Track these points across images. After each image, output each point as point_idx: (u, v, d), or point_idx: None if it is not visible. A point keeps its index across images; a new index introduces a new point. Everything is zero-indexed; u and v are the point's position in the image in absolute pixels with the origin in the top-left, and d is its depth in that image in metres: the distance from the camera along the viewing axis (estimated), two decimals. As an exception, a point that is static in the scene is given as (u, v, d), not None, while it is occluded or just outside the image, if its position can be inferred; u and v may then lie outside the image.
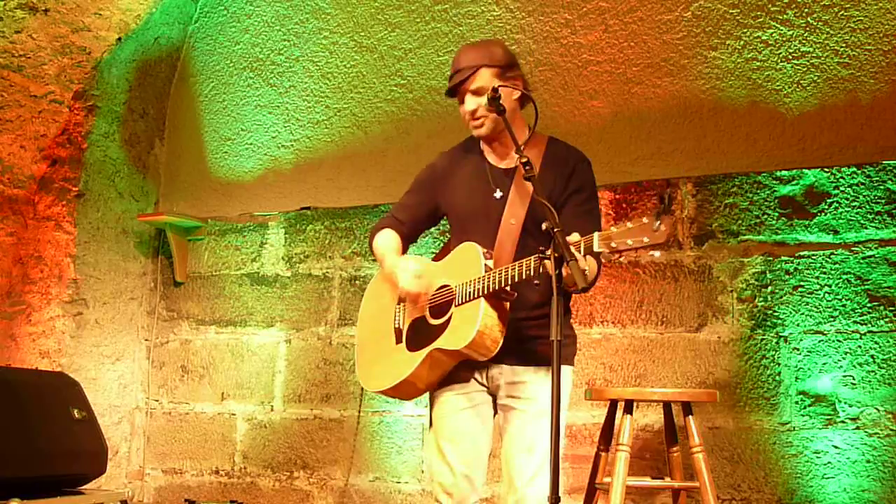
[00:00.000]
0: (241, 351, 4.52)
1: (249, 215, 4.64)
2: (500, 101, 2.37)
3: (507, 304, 2.37)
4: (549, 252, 2.13)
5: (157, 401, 4.65)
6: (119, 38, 4.42)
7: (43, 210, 4.49)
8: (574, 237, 2.16)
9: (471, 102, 2.47)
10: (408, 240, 2.71)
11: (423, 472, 4.00)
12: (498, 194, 2.50)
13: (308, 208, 4.49)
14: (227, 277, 4.63)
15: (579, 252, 2.13)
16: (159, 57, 4.81)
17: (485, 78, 2.43)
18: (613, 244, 2.07)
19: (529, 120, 2.49)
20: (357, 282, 4.30)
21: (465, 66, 2.44)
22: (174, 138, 4.92)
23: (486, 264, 2.37)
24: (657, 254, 2.06)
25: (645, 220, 2.01)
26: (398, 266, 2.52)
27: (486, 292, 2.33)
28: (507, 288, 2.31)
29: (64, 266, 4.43)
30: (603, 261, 2.51)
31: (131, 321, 4.71)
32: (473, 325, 2.32)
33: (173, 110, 4.94)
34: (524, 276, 2.25)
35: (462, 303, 2.39)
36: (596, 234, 2.11)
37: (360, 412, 3.05)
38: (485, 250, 2.41)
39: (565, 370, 2.50)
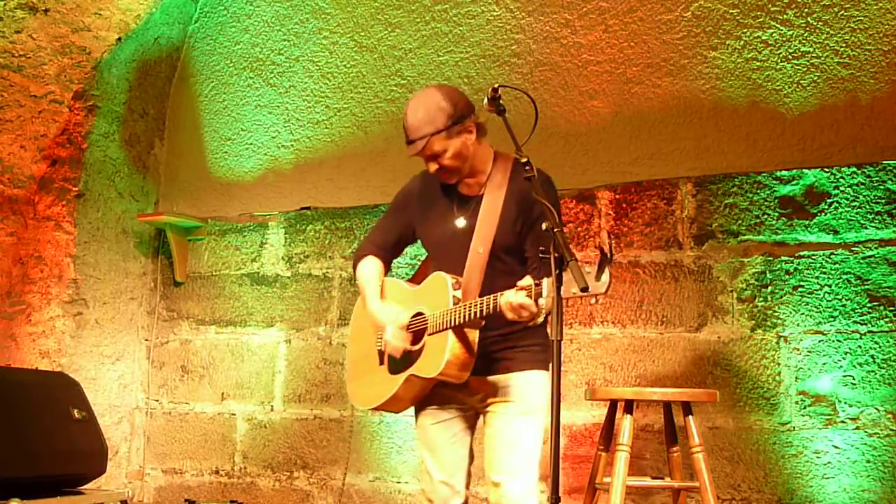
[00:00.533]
0: (241, 351, 4.52)
1: (249, 215, 4.64)
2: (500, 102, 2.39)
3: (477, 331, 2.44)
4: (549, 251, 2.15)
5: (157, 401, 4.65)
6: (119, 38, 4.42)
7: (43, 210, 4.49)
8: (526, 280, 2.23)
9: (432, 166, 2.53)
10: (389, 262, 2.80)
11: (423, 472, 4.00)
12: (462, 223, 2.55)
13: (308, 208, 4.49)
14: (227, 277, 4.63)
15: (530, 298, 2.20)
16: (159, 57, 4.81)
17: (437, 143, 2.48)
18: (558, 293, 2.10)
19: (494, 145, 2.57)
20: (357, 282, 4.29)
21: (415, 138, 2.49)
22: (174, 138, 4.92)
23: (454, 296, 2.45)
24: (600, 300, 2.15)
25: (588, 269, 2.05)
26: (383, 317, 2.60)
27: (453, 325, 2.41)
28: (477, 319, 2.38)
29: (64, 266, 4.43)
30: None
31: (131, 321, 4.71)
32: (442, 356, 2.41)
33: (173, 110, 4.93)
34: (485, 314, 2.33)
35: (433, 332, 2.48)
36: (545, 281, 2.14)
37: (352, 417, 3.09)
38: (454, 280, 2.48)
39: (541, 375, 2.54)
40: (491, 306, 2.31)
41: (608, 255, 2.04)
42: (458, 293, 2.46)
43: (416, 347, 2.54)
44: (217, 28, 4.85)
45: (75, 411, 3.59)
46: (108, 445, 3.73)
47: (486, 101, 2.42)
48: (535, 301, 2.20)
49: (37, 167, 4.48)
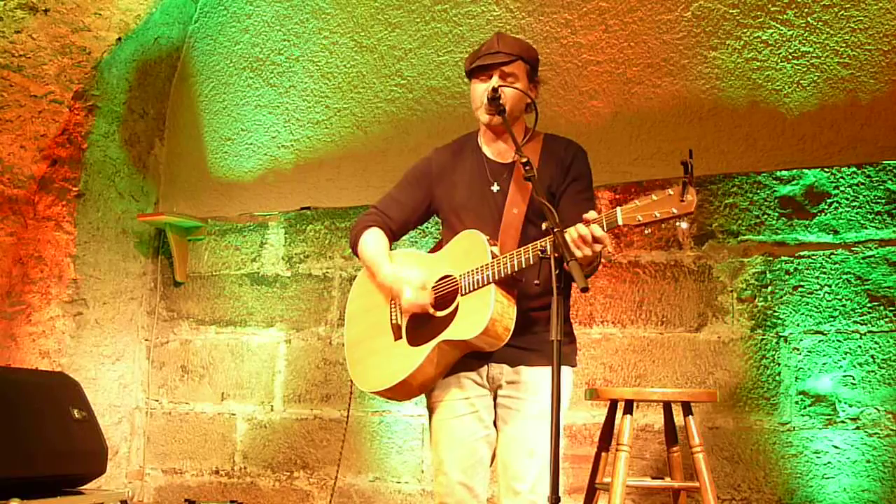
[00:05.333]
0: (241, 351, 4.52)
1: (249, 215, 4.64)
2: (501, 101, 2.38)
3: (516, 291, 2.33)
4: (549, 250, 2.12)
5: (157, 401, 4.65)
6: (119, 38, 4.42)
7: (43, 210, 4.49)
8: (592, 214, 2.14)
9: (495, 82, 2.43)
10: (395, 237, 2.67)
11: (422, 471, 4.00)
12: (495, 188, 2.49)
13: (308, 208, 4.49)
14: (227, 277, 4.63)
15: (602, 229, 2.11)
16: (159, 57, 4.81)
17: (518, 69, 2.45)
18: (640, 217, 2.06)
19: (528, 122, 2.52)
20: (357, 282, 4.30)
21: (505, 51, 2.44)
22: (174, 138, 4.92)
23: (491, 251, 2.33)
24: (685, 224, 2.06)
25: (670, 191, 2.00)
26: (400, 279, 2.46)
27: (496, 278, 2.28)
28: (515, 274, 2.27)
29: (64, 266, 4.43)
30: (603, 261, 2.51)
31: (131, 321, 4.71)
32: (485, 313, 2.26)
33: (173, 110, 4.94)
34: (535, 260, 2.21)
35: (468, 292, 2.34)
36: (619, 209, 2.10)
37: (348, 413, 3.00)
38: (488, 237, 2.38)
39: (566, 371, 2.48)
40: (548, 248, 2.11)
41: (690, 171, 1.93)
42: (496, 248, 2.34)
43: (446, 312, 2.38)
44: (217, 28, 4.85)
45: (75, 411, 3.58)
46: (108, 445, 3.72)
47: (485, 101, 2.43)
48: (606, 231, 2.10)
49: (37, 167, 4.48)
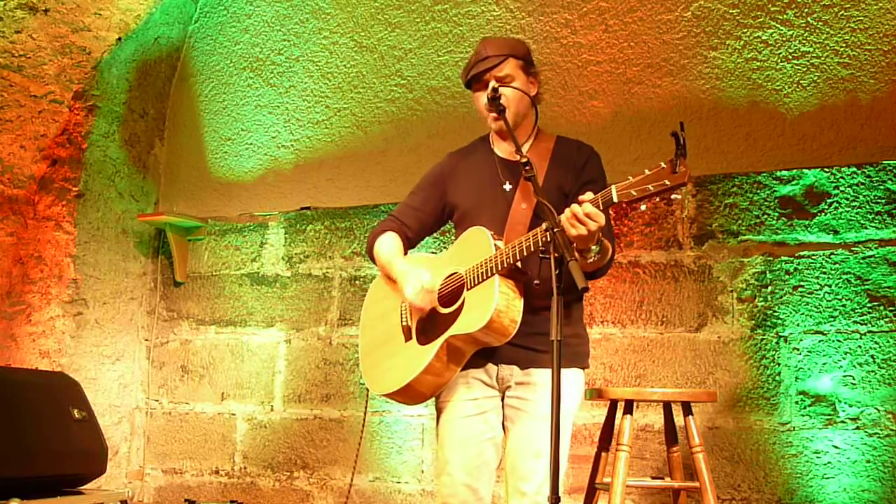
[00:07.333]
0: (241, 351, 4.52)
1: (249, 215, 4.64)
2: (501, 101, 2.38)
3: (522, 284, 2.31)
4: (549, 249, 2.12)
5: (157, 401, 4.65)
6: (119, 38, 4.42)
7: (43, 210, 4.49)
8: (588, 195, 2.12)
9: (491, 90, 2.42)
10: (411, 244, 2.67)
11: (422, 472, 4.00)
12: (507, 187, 2.49)
13: (308, 208, 4.49)
14: (227, 277, 4.63)
15: (598, 208, 2.10)
16: (159, 57, 4.81)
17: (511, 68, 2.45)
18: (634, 192, 2.05)
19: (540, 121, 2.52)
20: (357, 282, 4.30)
21: (492, 55, 2.44)
22: (174, 138, 4.92)
23: (495, 244, 2.32)
24: (679, 196, 2.08)
25: (663, 164, 1.99)
26: (409, 275, 2.45)
27: (499, 269, 2.27)
28: (519, 264, 2.26)
29: (64, 266, 4.43)
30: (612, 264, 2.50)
31: (131, 321, 4.71)
32: (490, 304, 2.24)
33: (173, 110, 4.94)
34: (538, 247, 2.19)
35: (474, 286, 2.33)
36: (613, 186, 2.09)
37: (365, 416, 3.00)
38: (493, 233, 2.37)
39: (577, 373, 2.47)
40: (547, 235, 2.10)
41: (682, 144, 1.94)
42: (500, 243, 2.32)
43: (453, 308, 2.36)
44: (217, 28, 4.85)
45: (75, 411, 3.58)
46: (108, 445, 3.72)
47: (485, 101, 2.43)
48: (603, 211, 2.08)
49: (37, 167, 4.48)
